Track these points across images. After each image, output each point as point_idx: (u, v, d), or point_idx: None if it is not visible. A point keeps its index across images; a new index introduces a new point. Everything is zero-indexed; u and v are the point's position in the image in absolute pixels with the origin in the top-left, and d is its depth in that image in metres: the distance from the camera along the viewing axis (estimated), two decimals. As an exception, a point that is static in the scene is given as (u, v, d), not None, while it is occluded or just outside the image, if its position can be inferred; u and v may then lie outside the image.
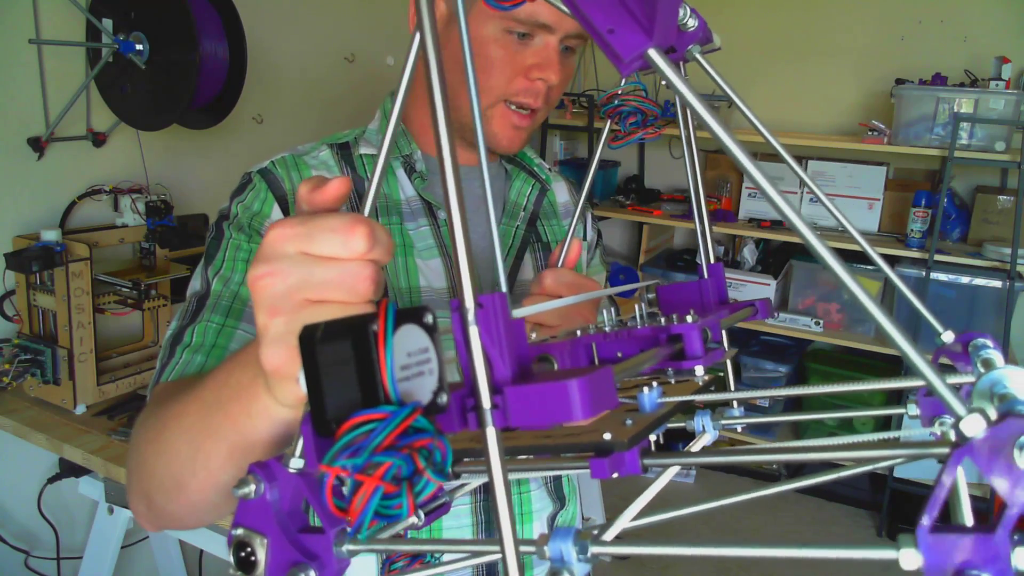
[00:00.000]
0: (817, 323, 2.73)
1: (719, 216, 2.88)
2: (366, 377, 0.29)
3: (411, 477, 0.27)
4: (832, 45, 2.89)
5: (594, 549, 0.28)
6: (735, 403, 0.46)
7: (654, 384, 0.36)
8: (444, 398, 0.29)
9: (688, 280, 0.51)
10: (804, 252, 2.80)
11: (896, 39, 2.79)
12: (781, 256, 3.00)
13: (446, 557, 0.33)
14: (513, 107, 0.82)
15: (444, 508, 0.42)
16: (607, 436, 0.33)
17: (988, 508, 2.50)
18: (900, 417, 2.81)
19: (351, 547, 0.32)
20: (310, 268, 0.38)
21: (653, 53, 0.30)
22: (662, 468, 0.35)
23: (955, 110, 2.42)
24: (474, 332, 0.28)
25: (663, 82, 0.45)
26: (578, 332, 0.43)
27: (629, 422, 0.34)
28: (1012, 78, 2.49)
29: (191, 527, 0.64)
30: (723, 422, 0.44)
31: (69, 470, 1.45)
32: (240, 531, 0.33)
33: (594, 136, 3.07)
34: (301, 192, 0.41)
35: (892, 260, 2.61)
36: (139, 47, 1.46)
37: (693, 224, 0.55)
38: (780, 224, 2.82)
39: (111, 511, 1.43)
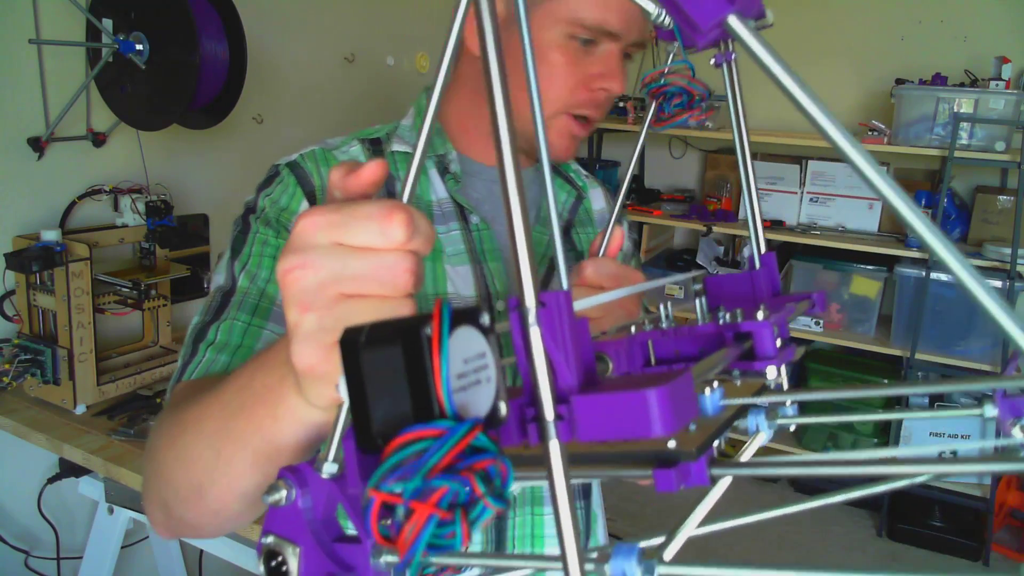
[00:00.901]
0: (817, 323, 2.73)
1: (719, 216, 2.88)
2: (418, 388, 0.25)
3: (467, 503, 0.23)
4: (832, 45, 2.88)
5: (661, 570, 0.24)
6: (788, 401, 0.44)
7: (715, 384, 0.32)
8: (504, 410, 0.26)
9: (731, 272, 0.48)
10: (804, 252, 2.80)
11: (896, 39, 2.79)
12: (781, 256, 3.00)
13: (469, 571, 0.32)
14: (573, 117, 0.78)
15: None
16: (671, 444, 0.29)
17: (988, 509, 2.50)
18: (898, 423, 2.78)
19: (390, 558, 0.29)
20: (344, 259, 0.35)
21: (734, 20, 0.27)
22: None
23: (955, 110, 2.42)
24: (535, 334, 0.25)
25: (711, 61, 0.43)
26: (632, 329, 0.39)
27: (692, 427, 0.30)
28: (1012, 78, 2.49)
29: (210, 536, 0.61)
30: (778, 422, 0.40)
31: (69, 470, 1.45)
32: (271, 539, 0.31)
33: (593, 138, 3.07)
34: (333, 178, 0.38)
35: (892, 260, 2.61)
36: (139, 47, 1.46)
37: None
38: (781, 224, 2.82)
39: (111, 511, 1.43)
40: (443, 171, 0.82)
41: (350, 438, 0.28)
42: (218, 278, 0.74)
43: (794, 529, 2.67)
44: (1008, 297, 2.41)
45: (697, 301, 0.42)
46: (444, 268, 0.78)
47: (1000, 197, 2.58)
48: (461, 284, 0.79)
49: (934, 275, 2.48)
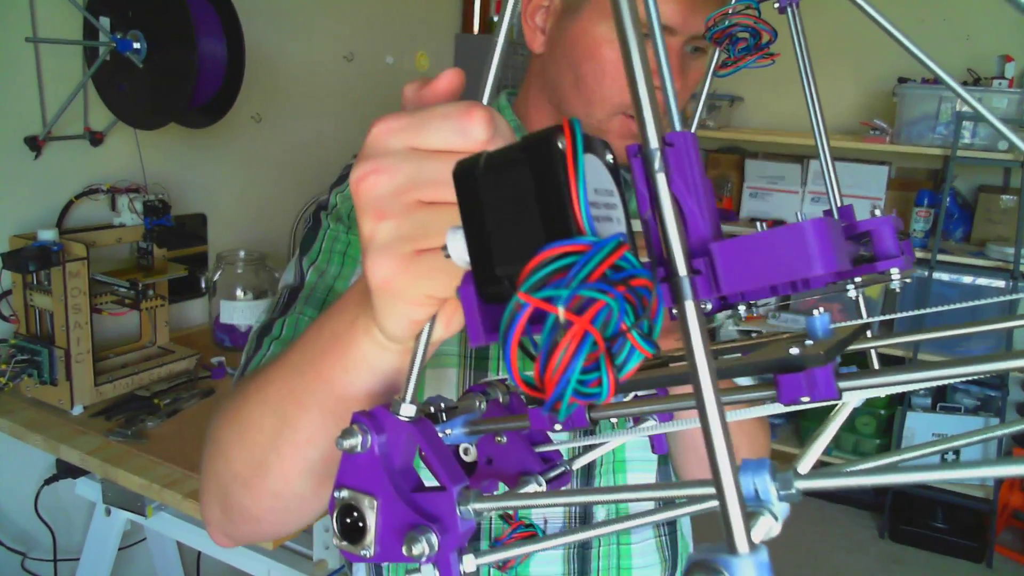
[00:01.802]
0: (819, 323, 2.72)
1: (719, 216, 2.87)
2: (553, 208, 0.22)
3: (614, 337, 0.19)
4: (834, 43, 2.87)
5: (801, 484, 0.22)
6: (875, 359, 0.38)
7: (821, 308, 0.29)
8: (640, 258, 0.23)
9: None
10: (806, 252, 2.79)
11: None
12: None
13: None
14: (632, 118, 0.73)
15: (565, 477, 0.35)
16: (794, 351, 0.25)
17: (991, 510, 2.49)
18: (900, 424, 2.77)
19: (478, 505, 0.27)
20: (420, 163, 0.32)
21: None
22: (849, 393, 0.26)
23: (958, 109, 2.41)
24: (662, 180, 0.21)
25: (775, 5, 0.41)
26: None
27: (795, 350, 0.26)
28: (1015, 77, 2.48)
29: (269, 535, 0.56)
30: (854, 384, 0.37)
31: (66, 471, 1.44)
32: (345, 492, 0.28)
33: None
34: (406, 93, 0.36)
35: (894, 260, 2.60)
36: (137, 46, 1.45)
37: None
38: (782, 224, 2.81)
39: (108, 512, 1.42)
40: None
41: (467, 283, 0.25)
42: (287, 276, 0.73)
43: (796, 530, 2.66)
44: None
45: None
46: None
47: (1003, 196, 2.57)
48: None
49: (936, 275, 2.47)
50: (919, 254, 2.52)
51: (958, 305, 0.34)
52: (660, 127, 0.22)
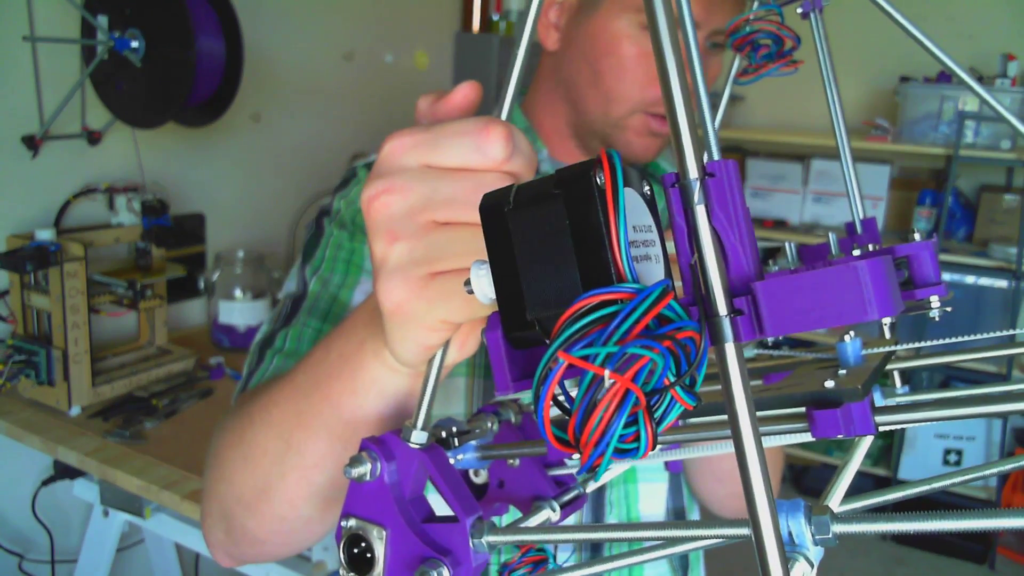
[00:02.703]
0: (820, 323, 2.71)
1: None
2: (591, 250, 0.20)
3: (655, 394, 0.18)
4: (836, 42, 2.86)
5: (838, 528, 0.21)
6: (898, 378, 0.37)
7: (852, 333, 0.28)
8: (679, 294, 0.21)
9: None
10: (807, 251, 2.78)
11: (900, 36, 2.76)
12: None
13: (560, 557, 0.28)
14: (651, 114, 0.72)
15: (579, 502, 0.34)
16: (829, 384, 0.24)
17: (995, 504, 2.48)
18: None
19: (492, 538, 0.26)
20: (435, 183, 0.31)
21: None
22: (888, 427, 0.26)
23: (960, 108, 2.40)
24: (701, 213, 0.19)
25: (798, 9, 0.39)
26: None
27: (830, 383, 0.24)
28: (1018, 75, 2.47)
29: (273, 556, 0.54)
30: (895, 400, 0.35)
31: (64, 472, 1.43)
32: (352, 522, 0.27)
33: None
34: (420, 106, 0.35)
35: (896, 260, 2.59)
36: (135, 44, 1.44)
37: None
38: (783, 223, 2.80)
39: (106, 514, 1.42)
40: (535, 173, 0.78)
41: (494, 327, 0.24)
42: (289, 285, 0.70)
43: (797, 531, 2.65)
44: (1014, 297, 2.39)
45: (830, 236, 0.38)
46: None
47: (1006, 196, 2.56)
48: None
49: (939, 275, 2.47)
50: (921, 254, 2.51)
51: (993, 335, 0.32)
52: (700, 155, 0.20)
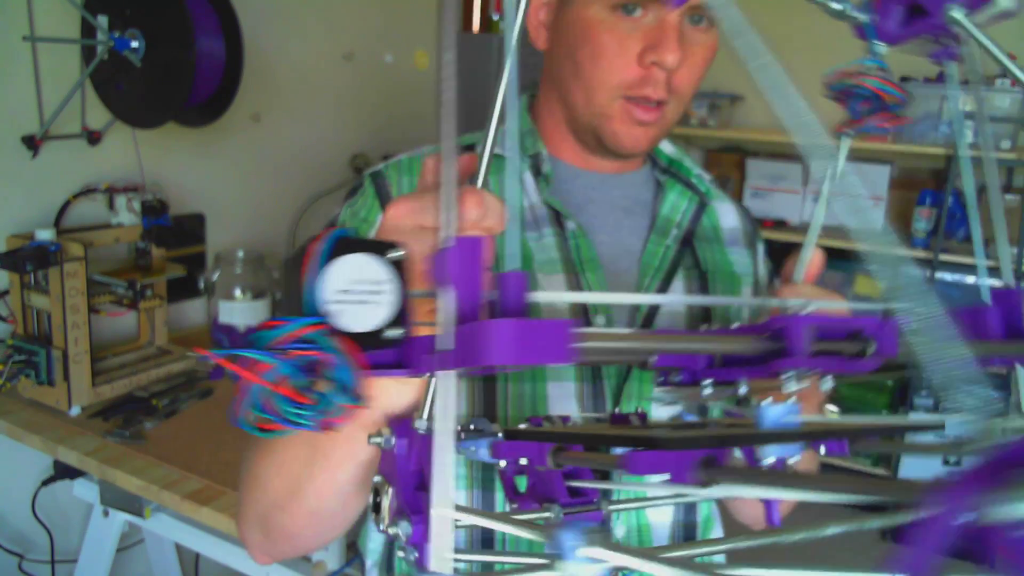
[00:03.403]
0: (820, 323, 2.71)
1: (722, 215, 2.86)
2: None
3: (310, 387, 0.28)
4: (836, 42, 2.86)
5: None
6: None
7: (771, 399, 0.28)
8: (390, 333, 0.30)
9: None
10: (807, 251, 2.78)
11: (900, 37, 2.77)
12: (783, 256, 2.98)
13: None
14: (633, 101, 0.70)
15: (592, 515, 0.39)
16: (660, 433, 0.28)
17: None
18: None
19: (458, 515, 0.30)
20: (426, 240, 0.38)
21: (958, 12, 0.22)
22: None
23: (961, 108, 2.40)
24: (440, 262, 0.28)
25: (930, 56, 0.35)
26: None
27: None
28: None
29: (304, 550, 0.64)
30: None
31: (64, 472, 1.43)
32: (378, 478, 0.36)
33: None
34: (427, 165, 0.43)
35: (896, 260, 2.59)
36: (135, 44, 1.44)
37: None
38: (783, 224, 2.80)
39: (106, 514, 1.42)
40: (536, 173, 0.78)
41: None
42: None
43: (796, 528, 2.65)
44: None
45: None
46: (536, 277, 0.74)
47: (1006, 196, 2.56)
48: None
49: (939, 275, 2.46)
50: (922, 254, 2.51)
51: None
52: (452, 228, 0.28)
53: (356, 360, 0.29)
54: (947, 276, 2.46)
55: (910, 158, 2.77)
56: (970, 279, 2.48)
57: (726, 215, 0.84)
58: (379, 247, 0.31)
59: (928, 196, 2.55)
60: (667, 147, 0.83)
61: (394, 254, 0.31)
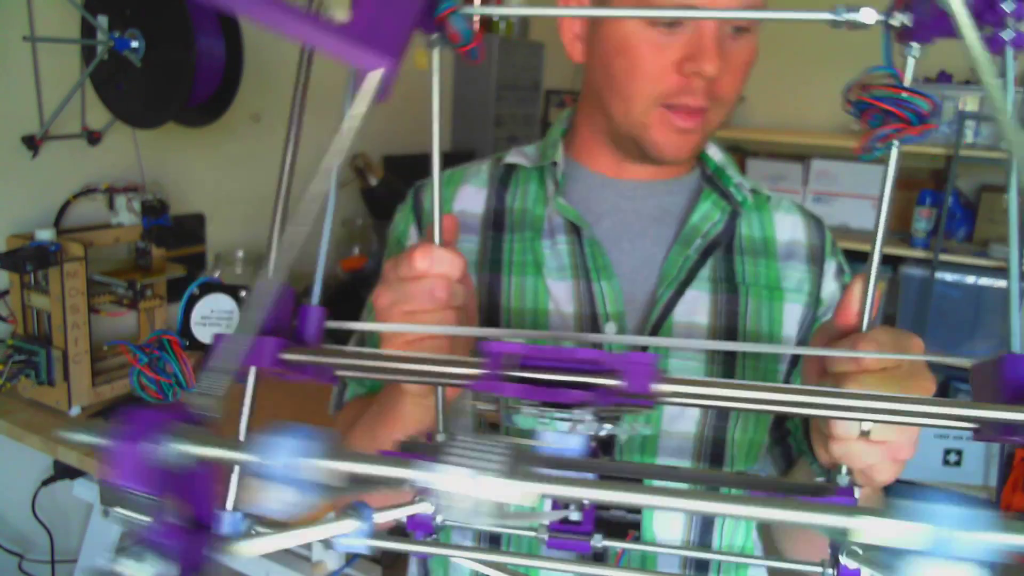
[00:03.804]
0: (820, 323, 2.71)
1: (722, 215, 2.86)
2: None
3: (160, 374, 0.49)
4: (836, 41, 2.86)
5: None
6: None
7: (606, 422, 0.27)
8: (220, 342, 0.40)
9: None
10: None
11: (900, 37, 2.77)
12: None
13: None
14: (674, 108, 0.69)
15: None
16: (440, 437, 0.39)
17: (995, 504, 2.48)
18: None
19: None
20: (401, 287, 0.52)
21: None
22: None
23: (960, 108, 2.40)
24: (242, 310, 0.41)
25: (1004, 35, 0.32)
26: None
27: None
28: (1018, 75, 2.47)
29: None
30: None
31: (64, 472, 1.43)
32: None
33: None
34: (386, 267, 0.55)
35: (896, 260, 2.59)
36: (135, 44, 1.44)
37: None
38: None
39: (106, 514, 1.42)
40: (554, 181, 0.79)
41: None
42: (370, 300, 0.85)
43: (797, 531, 2.65)
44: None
45: None
46: (546, 284, 0.75)
47: (1006, 196, 2.56)
48: (562, 300, 0.75)
49: (939, 275, 2.46)
50: (922, 254, 2.50)
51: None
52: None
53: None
54: (947, 276, 2.46)
55: (910, 158, 2.77)
56: (970, 279, 2.48)
57: (786, 227, 0.81)
58: (231, 289, 0.40)
59: (928, 196, 2.54)
60: (716, 154, 0.81)
61: (242, 294, 0.38)
